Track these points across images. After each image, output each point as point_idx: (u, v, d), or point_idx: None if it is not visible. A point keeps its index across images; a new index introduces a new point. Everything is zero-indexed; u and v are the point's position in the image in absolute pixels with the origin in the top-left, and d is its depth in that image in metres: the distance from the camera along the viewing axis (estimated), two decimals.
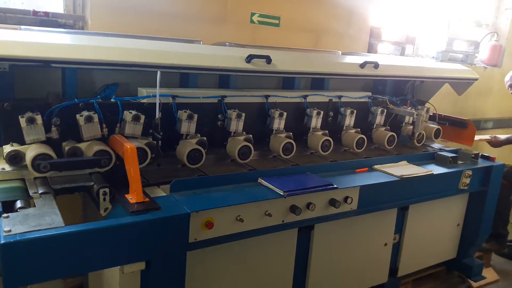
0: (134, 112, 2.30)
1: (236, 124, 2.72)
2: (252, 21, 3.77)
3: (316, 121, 3.08)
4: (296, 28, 4.04)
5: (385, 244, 3.11)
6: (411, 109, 3.61)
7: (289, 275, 2.65)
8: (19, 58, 1.96)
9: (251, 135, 2.79)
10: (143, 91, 2.52)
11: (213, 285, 2.35)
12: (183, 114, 2.50)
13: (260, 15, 3.79)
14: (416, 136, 3.54)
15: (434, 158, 3.36)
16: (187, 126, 2.52)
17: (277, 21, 3.91)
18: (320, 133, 3.09)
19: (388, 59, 3.85)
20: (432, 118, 3.89)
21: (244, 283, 2.47)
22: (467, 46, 5.93)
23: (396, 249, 3.25)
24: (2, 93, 2.19)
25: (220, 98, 2.73)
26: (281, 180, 2.45)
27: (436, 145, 3.83)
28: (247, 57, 2.60)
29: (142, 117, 2.32)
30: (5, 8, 2.96)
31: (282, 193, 2.28)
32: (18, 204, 1.85)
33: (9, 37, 2.11)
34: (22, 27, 2.61)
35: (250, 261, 2.45)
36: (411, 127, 3.59)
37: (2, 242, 1.56)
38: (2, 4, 3.02)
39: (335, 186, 2.47)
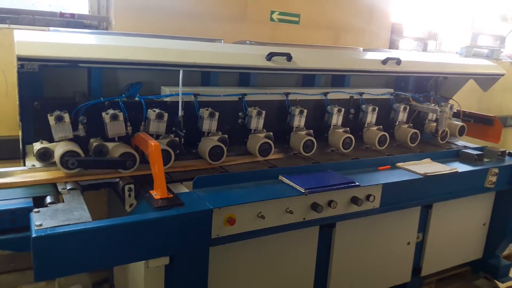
0: (157, 111, 2.35)
1: (257, 122, 2.73)
2: (272, 19, 3.79)
3: (337, 118, 3.06)
4: (316, 25, 4.03)
5: (408, 243, 3.07)
6: (434, 105, 3.54)
7: (311, 273, 2.65)
8: (48, 59, 2.03)
9: (271, 133, 2.80)
10: (166, 90, 2.57)
11: (234, 281, 2.37)
12: (204, 112, 2.54)
13: (280, 13, 3.80)
14: (439, 133, 3.48)
15: (459, 155, 3.29)
16: (209, 123, 2.56)
17: (297, 19, 3.91)
18: (341, 130, 3.08)
19: (411, 55, 3.80)
20: (456, 115, 3.82)
21: (265, 280, 2.48)
22: (492, 41, 5.78)
23: (420, 248, 3.21)
24: (31, 93, 2.27)
25: (240, 96, 2.75)
26: (302, 178, 2.45)
27: (461, 143, 3.75)
28: (267, 55, 2.61)
29: (166, 115, 2.37)
30: (33, 10, 3.07)
31: (303, 191, 2.28)
32: (48, 199, 1.92)
33: (38, 38, 2.18)
34: (51, 28, 2.69)
35: (271, 258, 2.47)
36: (435, 124, 3.53)
37: (34, 235, 1.61)
38: (30, 6, 3.12)
39: (357, 183, 2.45)
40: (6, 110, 2.91)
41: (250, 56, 2.63)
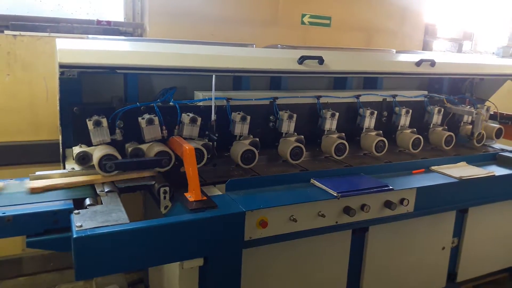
0: (191, 115, 2.40)
1: (288, 125, 2.73)
2: (302, 23, 3.78)
3: (369, 121, 3.02)
4: (348, 27, 4.00)
5: (443, 248, 2.99)
6: (470, 108, 3.45)
7: (343, 277, 2.62)
8: (88, 65, 2.11)
9: (302, 136, 2.80)
10: (199, 95, 2.61)
11: (266, 283, 2.38)
12: (237, 116, 2.57)
13: (311, 16, 3.80)
14: (475, 136, 3.39)
15: (496, 159, 3.19)
16: (241, 127, 2.58)
17: (328, 21, 3.89)
18: (373, 133, 3.04)
19: (445, 57, 3.72)
20: (493, 117, 3.70)
21: (297, 283, 2.48)
22: None
23: (455, 253, 3.12)
24: (71, 98, 2.35)
25: (272, 100, 2.76)
26: (334, 181, 2.44)
27: (498, 146, 3.63)
28: (299, 59, 2.62)
29: (199, 119, 2.41)
30: (72, 19, 3.19)
31: (335, 194, 2.27)
32: (87, 201, 1.99)
33: (78, 46, 2.26)
34: (90, 36, 2.80)
35: (303, 262, 2.46)
36: (470, 126, 3.44)
37: (74, 236, 1.68)
38: (69, 15, 3.25)
39: (390, 187, 2.42)
40: (46, 115, 3.04)
41: (282, 60, 2.64)
